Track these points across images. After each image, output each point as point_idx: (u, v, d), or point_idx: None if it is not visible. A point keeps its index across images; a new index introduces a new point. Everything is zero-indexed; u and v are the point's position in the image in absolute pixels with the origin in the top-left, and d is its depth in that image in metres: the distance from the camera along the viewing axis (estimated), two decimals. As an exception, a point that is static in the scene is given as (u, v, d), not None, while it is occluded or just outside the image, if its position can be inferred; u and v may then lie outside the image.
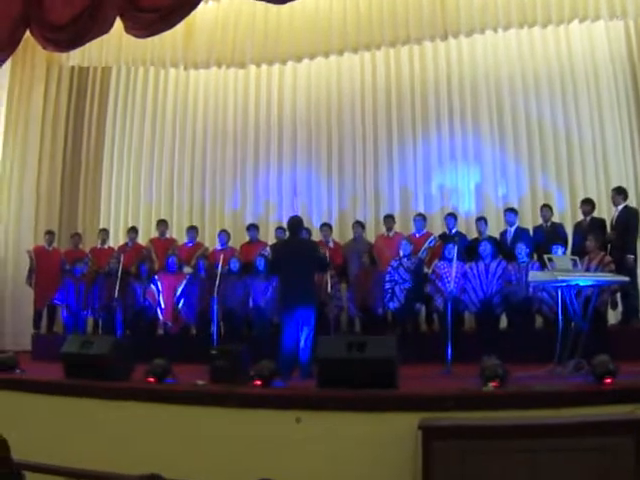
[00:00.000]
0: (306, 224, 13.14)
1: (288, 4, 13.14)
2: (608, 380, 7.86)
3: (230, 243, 14.48)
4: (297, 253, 10.41)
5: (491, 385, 7.97)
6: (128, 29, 13.32)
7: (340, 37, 14.16)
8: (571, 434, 6.88)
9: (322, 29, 14.22)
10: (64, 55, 15.79)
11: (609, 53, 14.25)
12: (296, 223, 10.85)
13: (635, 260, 11.96)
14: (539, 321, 12.18)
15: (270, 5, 13.58)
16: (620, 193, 12.23)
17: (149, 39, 14.12)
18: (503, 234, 13.01)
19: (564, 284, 9.66)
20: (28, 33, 13.73)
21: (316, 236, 13.96)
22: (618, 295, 11.55)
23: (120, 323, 13.01)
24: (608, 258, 11.06)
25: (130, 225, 15.81)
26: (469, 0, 13.43)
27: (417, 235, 13.33)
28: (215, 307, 12.04)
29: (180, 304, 13.16)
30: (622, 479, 6.59)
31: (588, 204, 12.51)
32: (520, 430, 7.03)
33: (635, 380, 8.20)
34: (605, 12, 12.80)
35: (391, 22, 13.84)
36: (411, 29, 13.78)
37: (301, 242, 10.94)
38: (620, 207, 12.12)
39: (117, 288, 12.81)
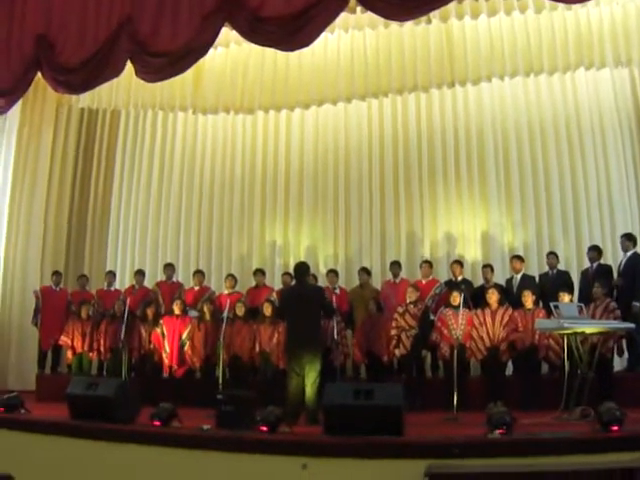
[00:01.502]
0: (312, 270, 13.15)
1: (297, 51, 13.29)
2: (615, 427, 7.84)
3: (237, 287, 14.47)
4: (304, 299, 10.47)
5: (497, 432, 7.96)
6: (138, 73, 13.46)
7: (348, 84, 14.27)
8: (577, 482, 6.87)
9: (330, 76, 14.34)
10: (74, 97, 15.95)
11: (614, 101, 14.33)
12: (303, 269, 10.91)
13: (640, 307, 12.00)
14: (545, 368, 12.18)
15: (279, 52, 13.72)
16: (630, 239, 12.29)
17: (158, 83, 14.25)
18: (509, 281, 13.03)
19: (570, 331, 9.67)
20: (39, 75, 13.86)
21: (322, 282, 13.95)
22: (624, 342, 11.51)
23: (125, 365, 12.98)
24: (613, 305, 11.08)
25: (137, 268, 15.80)
26: (476, 48, 13.53)
27: (423, 282, 13.33)
28: (221, 352, 12.06)
29: (185, 347, 13.11)
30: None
31: (595, 251, 12.56)
32: (526, 478, 7.02)
33: (642, 428, 8.19)
34: (610, 60, 12.95)
35: (399, 70, 13.96)
36: (418, 77, 13.90)
37: (308, 288, 10.98)
38: (629, 253, 12.15)
39: (123, 330, 12.84)
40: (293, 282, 11.57)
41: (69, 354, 14.12)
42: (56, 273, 15.21)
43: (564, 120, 14.60)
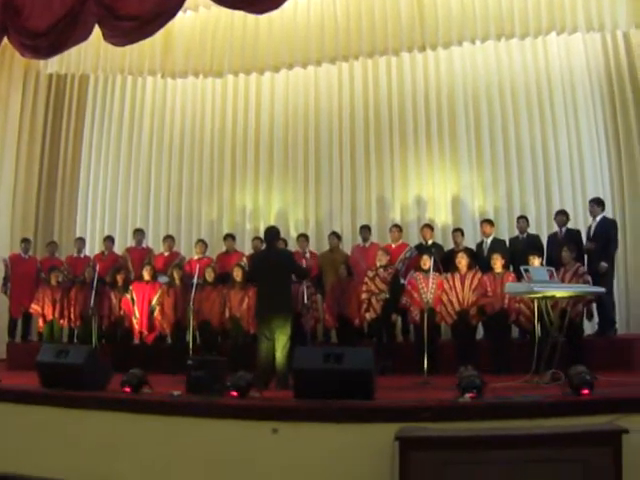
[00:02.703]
0: (283, 235, 13.09)
1: (266, 14, 13.17)
2: (585, 391, 7.90)
3: (207, 253, 14.42)
4: (274, 263, 10.43)
5: (468, 396, 7.98)
6: (106, 37, 13.33)
7: (318, 48, 14.12)
8: (549, 445, 6.90)
9: (300, 40, 14.20)
10: (42, 62, 15.74)
11: (586, 65, 14.31)
12: (273, 233, 10.86)
13: (612, 270, 12.04)
14: (515, 332, 12.22)
15: (248, 15, 13.60)
16: (599, 204, 12.33)
17: (127, 47, 14.17)
18: (479, 245, 13.05)
19: (540, 295, 9.69)
20: (5, 41, 13.68)
21: (293, 247, 13.92)
22: (594, 306, 11.57)
23: (96, 332, 12.91)
24: (583, 269, 11.16)
25: (106, 234, 15.69)
26: (447, 12, 13.42)
27: (393, 246, 13.31)
28: (191, 317, 12.02)
29: (155, 313, 13.07)
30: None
31: (562, 215, 12.61)
32: (497, 441, 7.04)
33: (612, 390, 8.23)
34: (582, 24, 12.85)
35: (369, 33, 13.82)
36: (389, 40, 13.76)
37: (278, 252, 10.94)
38: (598, 218, 12.18)
39: (93, 297, 12.76)
40: (263, 247, 11.50)
41: (40, 322, 14.00)
42: (25, 240, 15.06)
43: (535, 85, 14.58)
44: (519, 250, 12.31)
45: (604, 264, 11.76)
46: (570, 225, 12.68)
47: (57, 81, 17.04)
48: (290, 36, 14.25)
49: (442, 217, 14.70)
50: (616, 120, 14.00)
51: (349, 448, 7.64)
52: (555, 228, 12.86)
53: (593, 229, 12.24)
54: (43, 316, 13.87)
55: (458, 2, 13.46)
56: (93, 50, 14.96)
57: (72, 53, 14.75)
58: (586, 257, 11.98)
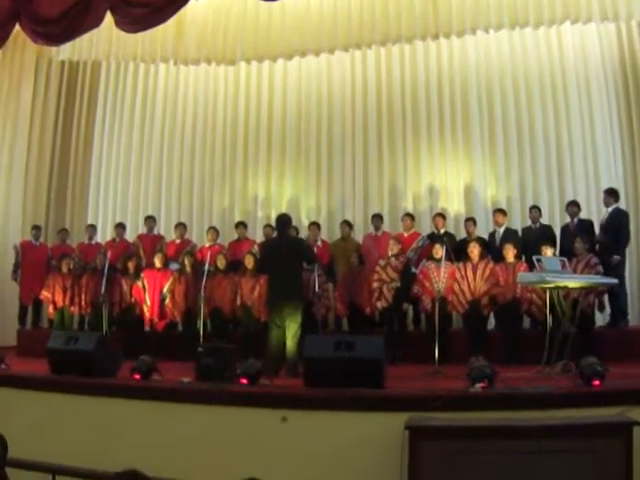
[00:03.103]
0: (294, 223, 13.06)
1: (279, 1, 13.12)
2: (596, 382, 7.88)
3: (218, 240, 14.40)
4: (285, 251, 10.41)
5: (479, 386, 7.96)
6: (118, 23, 13.30)
7: (331, 35, 14.04)
8: (559, 436, 6.88)
9: (313, 27, 14.12)
10: (54, 49, 15.69)
11: (600, 55, 14.22)
12: (284, 221, 10.84)
13: (623, 262, 11.98)
14: (527, 322, 12.19)
15: (261, 2, 13.54)
16: (612, 195, 12.23)
17: (140, 34, 14.10)
18: (492, 235, 12.99)
19: (553, 285, 9.65)
20: (18, 27, 13.67)
21: (304, 235, 13.86)
22: (606, 297, 11.51)
23: (106, 319, 12.91)
24: (595, 260, 11.09)
25: (118, 221, 15.69)
26: (461, 0, 13.35)
27: (405, 235, 13.27)
28: (202, 304, 12.02)
29: (166, 301, 13.07)
30: (611, 481, 6.58)
31: (574, 206, 12.54)
32: (507, 431, 7.03)
33: (623, 382, 8.20)
34: (597, 14, 12.77)
35: (382, 21, 13.73)
36: (403, 28, 13.68)
37: (289, 240, 10.93)
38: (611, 209, 12.11)
39: (104, 284, 12.76)
40: (275, 234, 11.48)
41: (50, 309, 14.01)
42: (36, 227, 15.06)
43: (549, 74, 14.48)
44: (531, 240, 12.24)
45: (617, 257, 11.70)
46: (583, 216, 12.64)
47: (69, 68, 16.96)
48: (303, 24, 14.17)
49: (454, 206, 14.63)
50: (630, 111, 13.92)
51: (359, 437, 7.63)
52: (568, 219, 12.79)
53: (605, 220, 12.18)
54: (54, 303, 13.88)
55: (472, -10, 13.41)
56: (105, 37, 14.91)
57: (84, 40, 14.69)
58: (597, 248, 11.90)
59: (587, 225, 12.37)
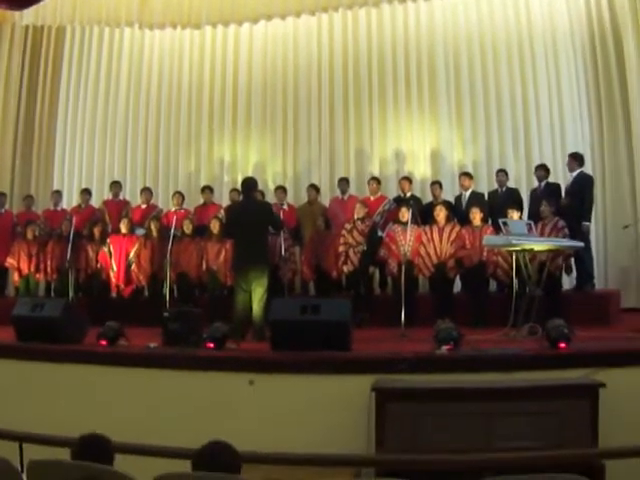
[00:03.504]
0: (261, 187, 13.06)
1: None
2: (562, 344, 7.94)
3: (184, 205, 14.34)
4: (250, 214, 10.37)
5: (445, 348, 8.00)
6: (82, -14, 13.15)
7: (297, -1, 14.01)
8: (526, 397, 6.95)
9: (279, -11, 14.08)
10: (17, 14, 15.44)
11: (568, 17, 14.14)
12: (250, 184, 10.81)
13: (590, 225, 12.04)
14: (493, 285, 12.24)
15: (227, -34, 13.46)
16: (576, 159, 12.25)
17: (104, -2, 13.95)
18: (458, 198, 13.01)
19: (519, 248, 9.69)
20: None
21: (270, 199, 13.81)
22: (572, 261, 11.56)
23: (72, 286, 12.85)
24: (562, 223, 11.11)
25: (83, 187, 15.56)
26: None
27: (372, 198, 13.27)
28: (168, 270, 11.98)
29: (132, 266, 13.01)
30: (577, 443, 6.63)
31: (542, 169, 12.55)
32: (474, 393, 7.09)
33: (589, 344, 8.27)
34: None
35: (349, -16, 13.73)
36: (370, -9, 13.68)
37: (255, 203, 10.89)
38: (575, 173, 12.15)
39: (69, 250, 12.68)
40: (240, 197, 11.44)
41: (16, 276, 13.89)
42: (0, 194, 14.88)
43: (517, 38, 14.41)
44: (498, 204, 12.25)
45: (586, 223, 11.78)
46: (550, 180, 12.63)
47: (33, 33, 16.68)
48: (269, -14, 14.11)
49: (421, 170, 14.58)
50: (597, 76, 13.84)
51: (326, 399, 7.67)
52: (535, 183, 12.83)
53: (570, 184, 12.21)
54: (19, 270, 13.73)
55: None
56: (69, 1, 14.80)
57: (48, 4, 14.57)
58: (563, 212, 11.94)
59: (554, 189, 12.37)
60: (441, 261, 11.62)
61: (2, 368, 9.24)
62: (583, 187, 11.96)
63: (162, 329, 9.35)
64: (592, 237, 12.51)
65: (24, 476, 4.26)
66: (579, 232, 11.47)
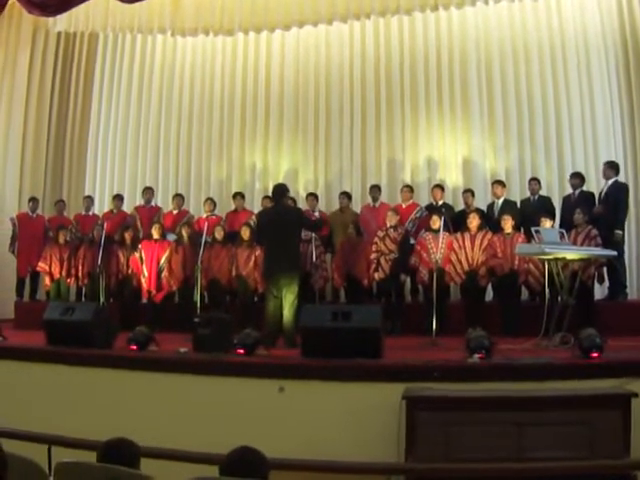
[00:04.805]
0: (292, 194, 13.09)
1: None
2: (595, 354, 7.87)
3: (216, 211, 14.38)
4: (281, 220, 10.36)
5: (476, 356, 7.96)
6: (115, -7, 13.20)
7: (329, 5, 13.95)
8: (557, 407, 6.90)
9: (312, -3, 14.08)
10: (50, 20, 15.51)
11: (600, 26, 14.08)
12: (281, 190, 10.80)
13: (623, 235, 11.93)
14: (525, 294, 12.16)
15: (259, -28, 13.48)
16: (612, 167, 12.16)
17: (136, 5, 14.03)
18: (490, 206, 12.95)
19: (551, 257, 9.61)
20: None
21: (302, 206, 13.77)
22: (605, 270, 11.46)
23: (103, 291, 12.88)
24: (594, 232, 11.05)
25: (115, 192, 15.63)
26: (461, -31, 13.30)
27: (404, 206, 13.23)
28: (199, 275, 11.99)
29: (164, 272, 13.04)
30: (609, 453, 6.57)
31: (577, 177, 12.46)
32: (504, 402, 7.04)
33: (621, 354, 8.19)
34: (597, -16, 12.74)
35: (381, -9, 13.71)
36: (402, -1, 13.66)
37: (286, 209, 10.89)
38: (610, 181, 12.05)
39: (100, 255, 12.72)
40: (271, 204, 11.45)
41: (47, 280, 13.99)
42: (32, 199, 14.95)
43: (548, 46, 14.34)
44: (530, 212, 12.19)
45: (619, 232, 11.67)
46: (583, 188, 12.55)
47: (66, 40, 16.80)
48: (301, -7, 14.11)
49: (453, 178, 14.55)
50: (630, 83, 13.78)
51: (356, 407, 7.64)
52: (567, 191, 12.76)
53: (604, 192, 12.11)
54: (50, 274, 13.85)
55: (472, -41, 13.32)
56: (102, 8, 14.81)
57: (81, 11, 14.62)
58: (597, 220, 11.85)
59: (588, 197, 12.29)
60: (472, 269, 11.57)
61: (33, 371, 9.31)
62: (618, 195, 11.86)
63: (192, 335, 9.37)
64: (625, 246, 12.40)
65: (52, 478, 4.27)
66: (612, 241, 11.38)
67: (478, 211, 12.32)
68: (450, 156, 14.67)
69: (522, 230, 11.84)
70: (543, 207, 12.22)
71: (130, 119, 16.71)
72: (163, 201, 15.61)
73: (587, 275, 10.61)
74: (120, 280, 13.41)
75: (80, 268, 13.64)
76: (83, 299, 13.74)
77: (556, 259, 9.74)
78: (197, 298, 11.83)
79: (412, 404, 7.07)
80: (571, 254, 9.74)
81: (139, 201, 15.31)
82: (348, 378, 7.82)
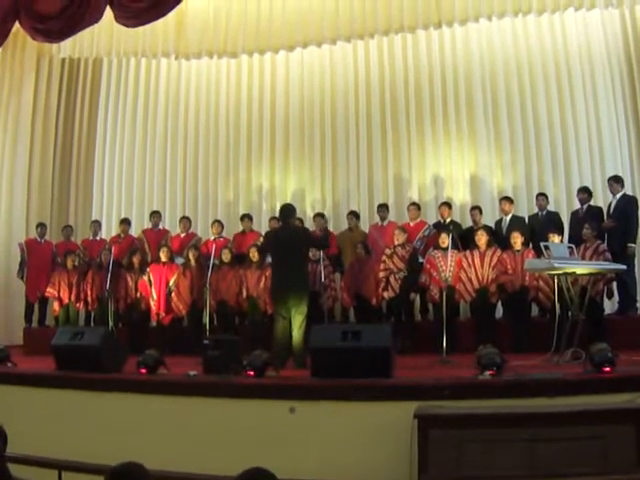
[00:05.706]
0: (300, 215, 13.12)
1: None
2: (607, 369, 7.82)
3: (223, 233, 14.39)
4: (289, 241, 10.33)
5: (487, 373, 7.91)
6: (118, 18, 13.28)
7: (333, 25, 14.02)
8: (569, 423, 6.83)
9: (315, 18, 14.11)
10: (55, 46, 15.63)
11: (604, 42, 14.11)
12: (288, 210, 10.77)
13: (634, 249, 11.90)
14: (535, 310, 12.12)
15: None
16: (618, 181, 12.18)
17: (140, 29, 14.10)
18: (498, 223, 12.93)
19: (561, 271, 9.57)
20: (17, 25, 13.63)
21: (309, 227, 13.78)
22: (614, 284, 11.42)
23: (112, 315, 12.88)
24: (603, 247, 11.03)
25: (122, 217, 15.65)
26: (463, -13, 13.33)
27: (411, 224, 13.21)
28: (207, 298, 11.97)
29: (172, 295, 13.03)
30: (622, 468, 6.51)
31: (585, 192, 12.46)
32: (517, 419, 6.99)
33: (633, 369, 8.14)
34: (601, 0, 12.71)
35: (384, 11, 13.74)
36: (405, 17, 13.67)
37: (293, 229, 10.83)
38: (618, 195, 12.04)
39: (108, 280, 12.72)
40: (279, 224, 11.44)
41: (56, 305, 13.99)
42: (40, 225, 14.99)
43: (553, 62, 14.38)
44: (539, 228, 12.21)
45: (632, 245, 11.66)
46: (590, 203, 12.53)
47: (70, 65, 16.87)
48: (304, 15, 14.16)
49: (460, 196, 14.56)
50: (635, 97, 13.82)
51: (367, 427, 7.60)
52: (575, 206, 12.75)
53: (613, 206, 12.10)
54: (59, 300, 13.86)
55: (474, -23, 13.34)
56: (106, 33, 14.90)
57: (85, 36, 14.71)
58: (606, 235, 11.81)
59: (596, 212, 12.28)
60: (482, 286, 11.54)
61: (42, 397, 9.29)
62: (628, 209, 11.84)
63: (202, 357, 9.34)
64: (635, 260, 12.35)
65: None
66: (623, 255, 11.35)
67: (486, 228, 12.29)
68: (457, 173, 14.68)
69: (531, 246, 11.80)
70: (551, 222, 12.21)
71: (136, 143, 16.76)
72: (170, 224, 15.64)
73: (596, 290, 10.56)
74: (129, 304, 13.41)
75: (89, 293, 13.66)
76: (92, 324, 13.75)
77: (566, 274, 9.69)
78: (206, 320, 11.82)
79: (424, 423, 7.01)
80: (581, 269, 9.69)
81: (146, 225, 15.34)
82: (359, 398, 7.78)
